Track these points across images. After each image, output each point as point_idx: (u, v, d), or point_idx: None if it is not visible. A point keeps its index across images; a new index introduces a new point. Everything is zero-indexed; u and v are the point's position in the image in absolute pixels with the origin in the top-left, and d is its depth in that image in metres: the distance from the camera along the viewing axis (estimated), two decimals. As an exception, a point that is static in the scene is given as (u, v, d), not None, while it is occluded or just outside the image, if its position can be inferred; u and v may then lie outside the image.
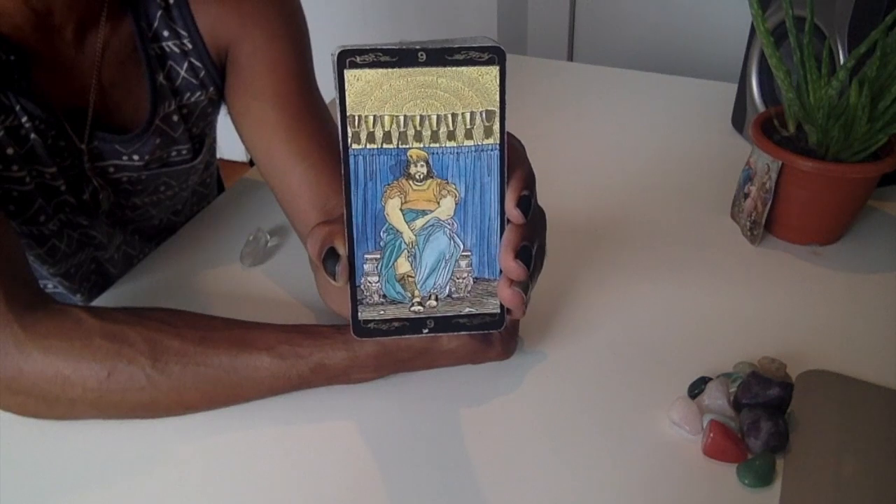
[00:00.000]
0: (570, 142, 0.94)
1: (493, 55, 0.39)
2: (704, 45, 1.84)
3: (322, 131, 0.65)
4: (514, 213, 0.40)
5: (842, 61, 0.73)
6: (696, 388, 0.54)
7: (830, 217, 0.71)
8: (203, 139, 0.73)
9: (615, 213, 0.78)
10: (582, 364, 0.58)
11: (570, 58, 2.05)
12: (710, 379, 0.54)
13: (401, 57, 0.38)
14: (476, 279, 0.42)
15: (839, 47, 0.74)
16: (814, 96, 0.67)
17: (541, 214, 0.45)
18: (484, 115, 0.40)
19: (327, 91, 0.69)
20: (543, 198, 0.47)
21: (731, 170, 0.80)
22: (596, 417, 0.53)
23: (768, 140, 0.70)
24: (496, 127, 0.40)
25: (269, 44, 0.65)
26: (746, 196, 0.73)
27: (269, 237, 0.73)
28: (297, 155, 0.63)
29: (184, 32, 0.66)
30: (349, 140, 0.39)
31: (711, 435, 0.49)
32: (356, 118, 0.39)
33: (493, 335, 0.54)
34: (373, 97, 0.39)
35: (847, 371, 0.56)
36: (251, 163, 0.69)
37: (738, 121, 0.94)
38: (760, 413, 0.50)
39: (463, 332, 0.44)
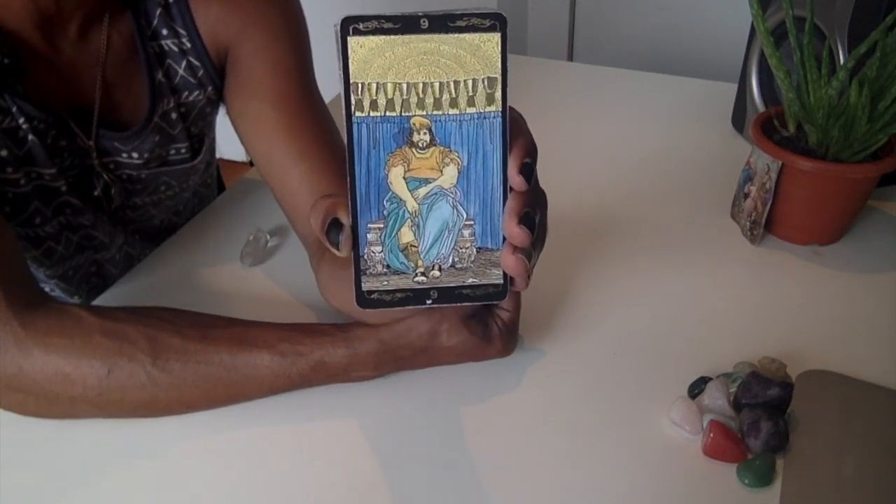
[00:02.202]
0: (570, 142, 0.94)
1: (495, 22, 0.39)
2: (704, 45, 1.84)
3: (322, 132, 0.65)
4: (516, 179, 0.41)
5: (842, 61, 0.73)
6: (696, 388, 0.54)
7: (830, 217, 0.71)
8: (202, 139, 0.73)
9: (615, 213, 0.78)
10: (582, 363, 0.58)
11: (570, 58, 2.05)
12: (710, 379, 0.54)
13: (403, 24, 0.38)
14: (479, 249, 0.42)
15: (839, 47, 0.74)
16: (814, 96, 0.67)
17: (542, 192, 0.45)
18: (486, 81, 0.40)
19: (327, 92, 0.69)
20: (544, 197, 0.47)
21: (731, 170, 0.80)
22: (596, 417, 0.53)
23: (768, 140, 0.70)
24: (498, 94, 0.40)
25: (269, 44, 0.65)
26: (746, 196, 0.73)
27: (269, 237, 0.73)
28: (297, 155, 0.63)
29: (182, 31, 0.66)
30: (352, 108, 0.39)
31: (711, 435, 0.49)
32: (359, 85, 0.39)
33: (493, 332, 0.54)
34: (376, 64, 0.39)
35: (847, 371, 0.56)
36: (251, 163, 0.69)
37: (738, 121, 0.94)
38: (760, 413, 0.50)
39: (466, 303, 0.44)
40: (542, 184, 0.46)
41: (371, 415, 0.54)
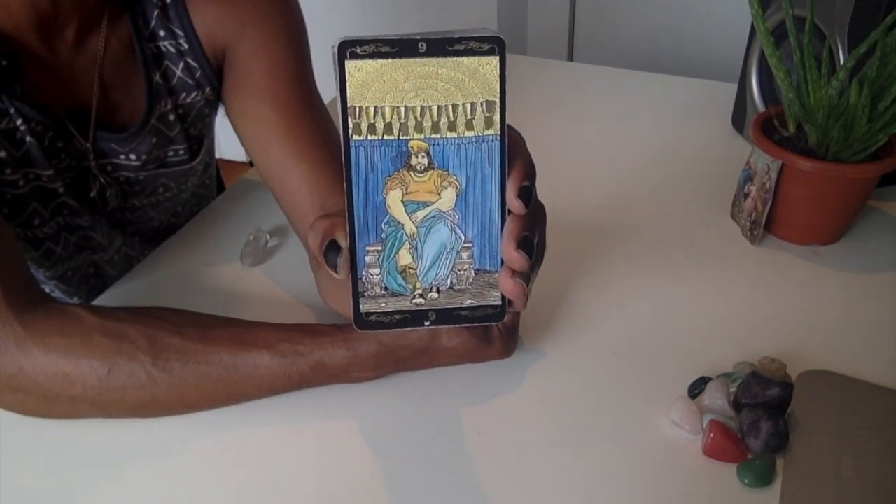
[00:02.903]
0: (570, 142, 0.94)
1: (494, 45, 0.39)
2: (704, 45, 1.84)
3: (321, 131, 0.65)
4: (515, 203, 0.41)
5: (842, 61, 0.73)
6: (696, 388, 0.54)
7: (830, 217, 0.71)
8: (201, 140, 0.73)
9: (615, 213, 0.78)
10: (582, 363, 0.58)
11: (570, 58, 2.05)
12: (710, 379, 0.54)
13: (401, 47, 0.38)
14: (477, 271, 0.42)
15: (839, 47, 0.74)
16: (814, 96, 0.67)
17: (541, 208, 0.45)
18: (484, 105, 0.40)
19: (326, 92, 0.69)
20: (543, 197, 0.47)
21: (731, 170, 0.80)
22: (596, 417, 0.53)
23: (768, 140, 0.70)
24: (497, 117, 0.40)
25: (267, 44, 0.65)
26: (746, 196, 0.73)
27: (269, 237, 0.73)
28: (297, 155, 0.63)
29: (180, 32, 0.66)
30: (350, 131, 0.39)
31: (711, 435, 0.49)
32: (357, 109, 0.39)
33: (493, 334, 0.54)
34: (373, 88, 0.39)
35: (847, 371, 0.56)
36: (251, 163, 0.69)
37: (738, 121, 0.94)
38: (760, 413, 0.50)
39: (464, 325, 0.44)
40: (542, 185, 0.46)
41: (371, 415, 0.54)
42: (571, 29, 2.02)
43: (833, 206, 0.70)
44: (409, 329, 0.43)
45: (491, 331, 0.54)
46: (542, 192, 0.47)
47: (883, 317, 0.62)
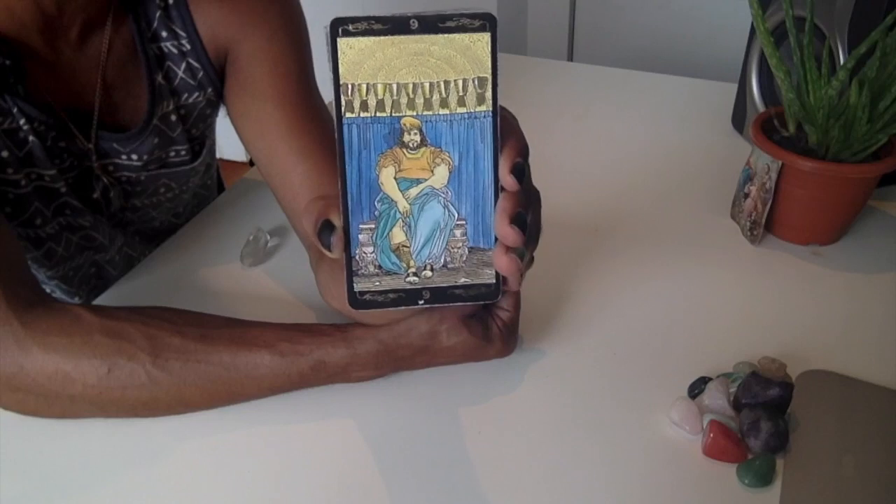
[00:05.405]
0: (570, 142, 0.94)
1: (485, 22, 0.39)
2: (704, 45, 1.84)
3: (322, 131, 0.65)
4: (507, 179, 0.41)
5: (842, 61, 0.73)
6: (696, 388, 0.54)
7: (830, 217, 0.71)
8: (203, 141, 0.73)
9: (615, 213, 0.78)
10: (582, 363, 0.58)
11: (570, 58, 2.05)
12: (710, 379, 0.54)
13: (393, 24, 0.38)
14: (471, 249, 0.42)
15: (839, 47, 0.74)
16: (814, 96, 0.67)
17: (535, 191, 0.45)
18: (476, 82, 0.40)
19: (326, 92, 0.69)
20: (543, 196, 0.47)
21: (731, 170, 0.80)
22: (596, 417, 0.53)
23: (768, 140, 0.70)
24: (488, 94, 0.40)
25: (269, 44, 0.65)
26: (746, 196, 0.73)
27: (269, 237, 0.73)
28: (298, 155, 0.63)
29: (182, 33, 0.66)
30: (343, 109, 0.40)
31: (711, 435, 0.49)
32: (349, 87, 0.39)
33: (492, 333, 0.54)
34: (366, 65, 0.39)
35: (847, 371, 0.56)
36: (251, 163, 0.70)
37: (738, 121, 0.94)
38: (760, 413, 0.50)
39: (458, 304, 0.44)
40: (543, 184, 0.46)
41: (371, 415, 0.54)
42: (571, 29, 2.02)
43: (833, 206, 0.70)
44: (403, 308, 0.43)
45: (491, 329, 0.54)
46: (542, 190, 0.47)
47: (883, 317, 0.62)
